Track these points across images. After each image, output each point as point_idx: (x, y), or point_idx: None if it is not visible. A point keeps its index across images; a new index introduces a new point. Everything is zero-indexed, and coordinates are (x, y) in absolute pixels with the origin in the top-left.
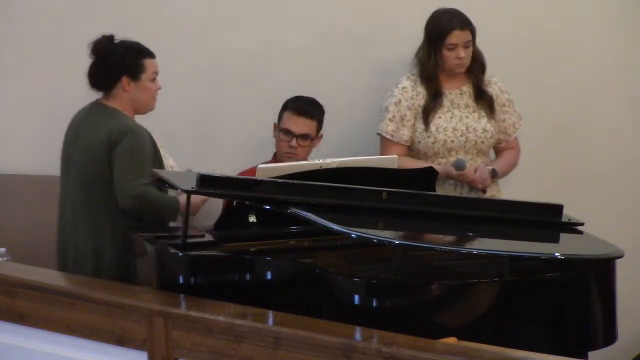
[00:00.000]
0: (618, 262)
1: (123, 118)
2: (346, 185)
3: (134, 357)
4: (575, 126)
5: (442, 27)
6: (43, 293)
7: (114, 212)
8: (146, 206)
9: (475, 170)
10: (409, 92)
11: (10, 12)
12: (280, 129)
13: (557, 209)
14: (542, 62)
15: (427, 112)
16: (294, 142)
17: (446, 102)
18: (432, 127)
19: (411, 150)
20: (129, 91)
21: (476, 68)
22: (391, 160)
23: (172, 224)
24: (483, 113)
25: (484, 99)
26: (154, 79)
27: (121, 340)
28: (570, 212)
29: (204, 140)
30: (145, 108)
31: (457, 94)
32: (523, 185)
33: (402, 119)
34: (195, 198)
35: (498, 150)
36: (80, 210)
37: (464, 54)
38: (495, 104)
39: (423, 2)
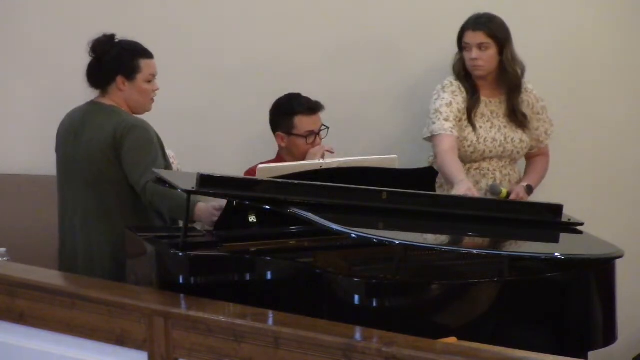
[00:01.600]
0: (618, 262)
1: (125, 115)
2: (346, 185)
3: (134, 357)
4: (576, 127)
5: (461, 27)
6: (43, 293)
7: (129, 210)
8: (164, 199)
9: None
10: (458, 96)
11: (12, 12)
12: (300, 136)
13: (557, 209)
14: (541, 60)
15: (469, 112)
16: (317, 139)
17: (486, 110)
18: (474, 137)
19: None
20: (124, 91)
21: (506, 80)
22: (391, 160)
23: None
24: (519, 122)
25: (517, 120)
26: (150, 81)
27: (121, 340)
28: (570, 212)
29: (205, 140)
30: (140, 109)
31: (497, 103)
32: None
33: (455, 119)
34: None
35: (529, 156)
36: (92, 211)
37: (475, 55)
38: (531, 113)
39: (450, 9)
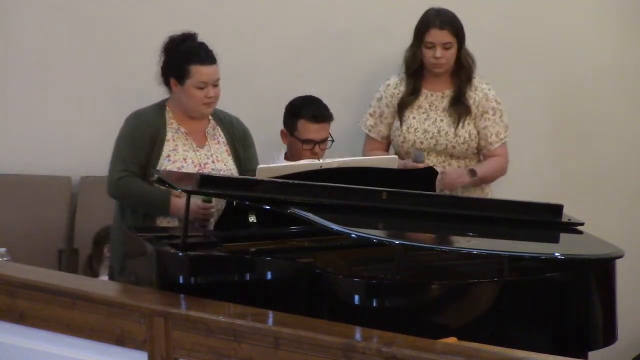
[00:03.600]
0: (618, 262)
1: (148, 107)
2: (346, 185)
3: (134, 357)
4: (575, 126)
5: (423, 23)
6: (43, 293)
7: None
8: (125, 196)
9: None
10: (391, 89)
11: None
12: (299, 140)
13: (557, 209)
14: (541, 60)
15: (402, 107)
16: (317, 149)
17: (425, 103)
18: (404, 127)
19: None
20: (176, 92)
21: (462, 74)
22: (391, 160)
23: (170, 224)
24: (457, 117)
25: (459, 108)
26: (202, 87)
27: (121, 340)
28: (570, 212)
29: None
30: (192, 112)
31: (439, 97)
32: (523, 185)
33: (380, 115)
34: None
35: (484, 157)
36: None
37: (440, 54)
38: (476, 111)
39: (413, 3)
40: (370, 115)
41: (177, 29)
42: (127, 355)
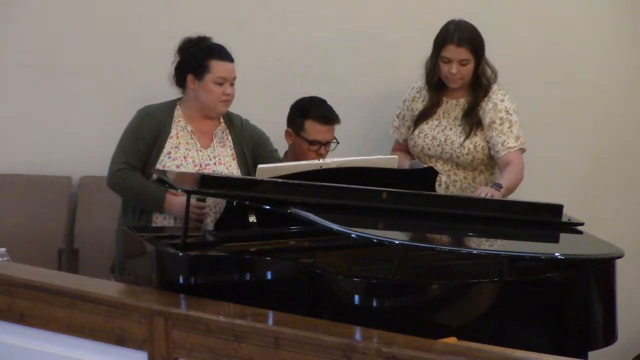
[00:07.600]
0: (618, 262)
1: (159, 103)
2: (346, 185)
3: (134, 357)
4: (576, 126)
5: (442, 37)
6: (43, 293)
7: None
8: (122, 188)
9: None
10: (414, 92)
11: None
12: (306, 140)
13: (557, 209)
14: (540, 60)
15: (420, 117)
16: (322, 150)
17: (440, 110)
18: (416, 131)
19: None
20: (193, 90)
21: (478, 88)
22: (391, 160)
23: (165, 221)
24: (468, 129)
25: (470, 120)
26: (220, 83)
27: (121, 340)
28: (570, 212)
29: None
30: (208, 110)
31: (453, 105)
32: (523, 185)
33: (403, 118)
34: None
35: (498, 166)
36: None
37: (455, 70)
38: (485, 121)
39: (434, 7)
40: (397, 116)
41: (178, 30)
42: (127, 355)
